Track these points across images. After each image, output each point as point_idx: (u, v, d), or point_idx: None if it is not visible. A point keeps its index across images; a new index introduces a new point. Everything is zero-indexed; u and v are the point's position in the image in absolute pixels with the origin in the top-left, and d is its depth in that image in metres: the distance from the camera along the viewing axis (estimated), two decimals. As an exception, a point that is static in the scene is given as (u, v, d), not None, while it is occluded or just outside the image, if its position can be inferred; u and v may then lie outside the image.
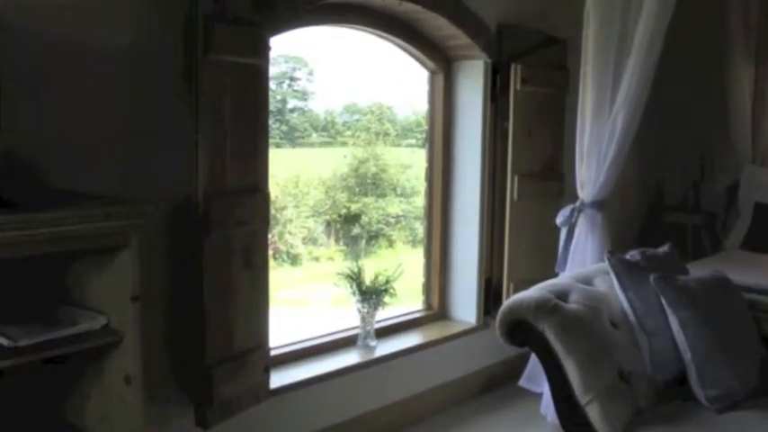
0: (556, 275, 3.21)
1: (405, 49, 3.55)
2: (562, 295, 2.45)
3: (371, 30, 3.32)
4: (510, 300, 2.45)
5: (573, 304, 2.42)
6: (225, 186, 2.37)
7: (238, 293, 2.45)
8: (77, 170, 2.10)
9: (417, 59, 3.61)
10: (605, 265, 2.63)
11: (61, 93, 2.08)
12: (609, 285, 2.57)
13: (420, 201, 11.89)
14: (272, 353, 2.72)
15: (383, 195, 10.51)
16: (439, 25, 3.35)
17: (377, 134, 10.91)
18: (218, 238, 2.35)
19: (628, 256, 2.62)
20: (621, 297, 2.50)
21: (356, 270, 3.26)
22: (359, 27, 3.28)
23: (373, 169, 10.31)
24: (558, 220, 3.32)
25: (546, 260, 3.44)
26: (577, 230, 3.26)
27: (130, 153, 2.25)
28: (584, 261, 3.20)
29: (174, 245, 2.37)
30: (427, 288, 3.76)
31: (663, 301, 2.44)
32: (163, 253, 2.34)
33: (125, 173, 2.23)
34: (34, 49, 1.99)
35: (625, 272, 2.53)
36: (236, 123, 2.39)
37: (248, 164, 2.45)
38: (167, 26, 2.28)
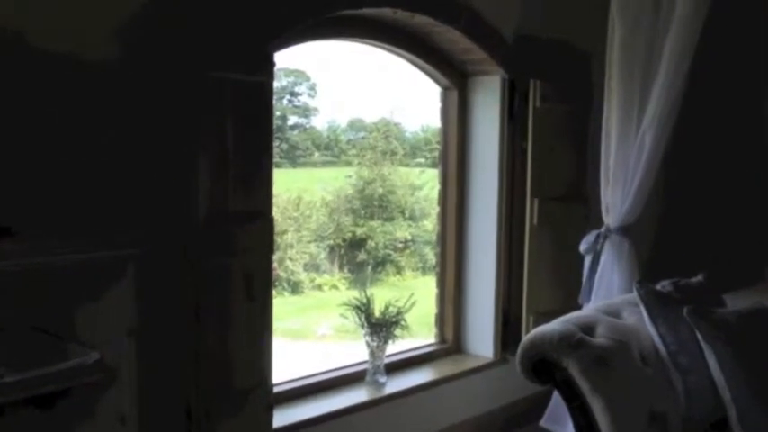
0: (579, 307, 3.20)
1: (415, 64, 3.57)
2: (587, 329, 2.44)
3: (379, 44, 3.35)
4: (531, 333, 2.45)
5: (599, 338, 2.40)
6: (226, 212, 2.39)
7: (239, 326, 2.45)
8: (66, 196, 2.12)
9: (429, 75, 3.63)
10: (634, 296, 2.62)
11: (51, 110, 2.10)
12: (638, 318, 2.55)
13: (430, 224, 11.92)
14: (275, 389, 2.71)
15: (390, 219, 10.54)
16: (452, 38, 3.38)
17: (383, 153, 11.00)
18: (218, 266, 2.37)
19: (658, 287, 2.62)
20: (652, 331, 2.49)
21: (364, 300, 3.25)
22: (366, 41, 3.32)
23: (380, 191, 10.35)
24: (582, 247, 3.31)
25: (568, 291, 3.43)
26: (603, 258, 3.25)
27: (125, 176, 2.27)
28: (610, 292, 3.18)
29: (171, 274, 2.37)
30: (441, 320, 3.75)
31: (698, 335, 2.43)
32: (160, 282, 2.34)
33: (119, 198, 2.25)
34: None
35: (656, 303, 2.52)
36: (238, 144, 2.42)
37: (251, 187, 2.47)
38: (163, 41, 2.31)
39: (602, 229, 3.27)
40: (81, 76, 2.15)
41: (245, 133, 2.44)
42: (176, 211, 2.35)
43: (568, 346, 2.30)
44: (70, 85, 2.13)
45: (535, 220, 3.51)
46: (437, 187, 3.81)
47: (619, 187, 3.18)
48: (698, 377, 2.40)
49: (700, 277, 2.82)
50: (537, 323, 2.94)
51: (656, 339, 2.48)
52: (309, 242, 10.27)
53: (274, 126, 2.59)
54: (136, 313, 1.84)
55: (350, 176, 11.76)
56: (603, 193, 3.25)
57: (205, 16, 2.37)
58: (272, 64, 2.53)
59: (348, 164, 12.81)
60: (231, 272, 2.43)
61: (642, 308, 2.54)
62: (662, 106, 3.05)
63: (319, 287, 9.80)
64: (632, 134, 3.14)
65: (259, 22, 2.50)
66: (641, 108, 3.11)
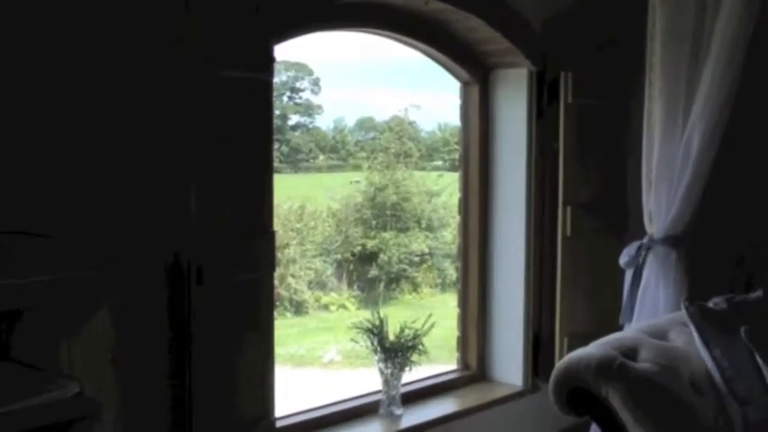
0: (620, 328, 3.18)
1: (431, 56, 3.58)
2: (629, 353, 2.43)
3: (391, 34, 3.36)
4: (565, 358, 2.44)
5: (643, 364, 2.39)
6: (221, 227, 2.40)
7: (237, 352, 2.46)
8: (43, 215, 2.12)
9: (447, 68, 3.64)
10: (682, 314, 2.60)
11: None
12: (688, 340, 2.53)
13: (449, 235, 11.93)
14: (279, 423, 2.71)
15: (405, 229, 10.55)
16: (473, 27, 3.39)
17: (397, 155, 11.01)
18: (213, 290, 2.37)
19: (711, 304, 2.60)
20: (704, 355, 2.47)
21: (377, 322, 3.25)
22: (376, 31, 3.33)
23: (393, 198, 10.36)
24: (622, 260, 3.29)
25: (607, 309, 3.41)
26: (646, 273, 3.23)
27: (106, 183, 2.27)
28: (655, 310, 3.16)
29: (158, 295, 2.38)
30: (463, 343, 3.74)
31: (757, 359, 2.41)
32: (146, 304, 2.35)
33: (100, 209, 2.25)
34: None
35: (708, 323, 2.50)
36: (235, 151, 2.43)
37: (249, 199, 2.48)
38: (148, 29, 2.32)
39: (645, 240, 3.25)
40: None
41: (242, 136, 2.45)
42: (165, 225, 2.35)
43: (608, 372, 2.29)
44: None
45: (568, 231, 3.50)
46: (457, 193, 3.81)
47: (663, 192, 3.17)
48: (758, 408, 2.37)
49: (759, 293, 2.79)
50: (572, 346, 2.92)
51: (710, 364, 2.46)
52: (314, 257, 10.28)
53: (274, 126, 2.60)
54: (120, 341, 1.83)
55: (357, 182, 11.79)
56: (646, 199, 3.23)
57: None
58: (272, 59, 2.54)
59: (357, 168, 12.84)
60: (228, 292, 2.43)
61: (692, 328, 2.52)
62: (713, 98, 3.03)
63: (325, 307, 9.80)
64: (678, 131, 3.13)
65: (259, 19, 2.51)
66: (688, 101, 3.09)
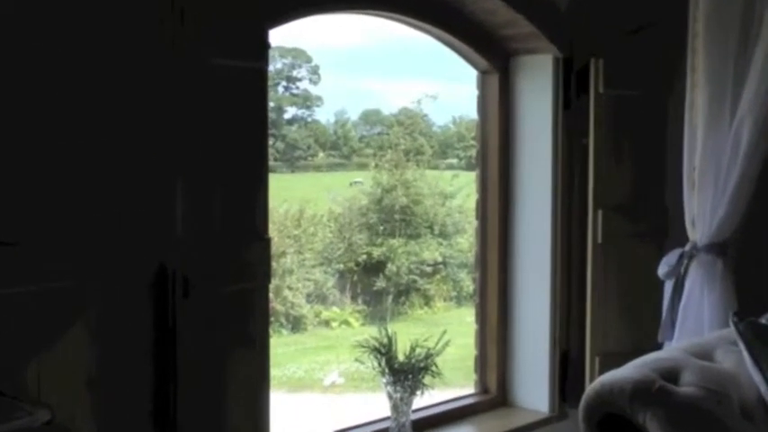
0: (659, 347, 3.17)
1: (445, 42, 3.58)
2: (670, 375, 2.41)
3: (400, 16, 3.36)
4: (597, 381, 2.43)
5: (686, 388, 2.38)
6: (211, 233, 2.40)
7: (228, 375, 2.46)
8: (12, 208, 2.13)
9: (463, 55, 3.64)
10: (730, 332, 2.58)
11: None
12: (737, 361, 2.52)
13: (465, 242, 11.94)
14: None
15: (416, 236, 10.57)
16: (491, 8, 3.39)
17: (407, 152, 11.03)
18: (201, 303, 2.37)
19: (763, 320, 2.58)
20: (756, 377, 2.45)
21: (384, 339, 3.25)
22: (382, 14, 3.33)
23: (403, 200, 10.38)
24: (661, 270, 3.29)
25: (644, 326, 3.40)
26: (688, 284, 3.22)
27: (83, 185, 2.27)
28: (699, 327, 3.15)
29: (141, 309, 2.38)
30: (482, 364, 3.74)
31: (815, 382, 2.39)
32: (127, 320, 2.35)
33: (74, 220, 2.25)
34: None
35: (760, 342, 2.48)
36: (226, 148, 2.43)
37: (242, 201, 2.48)
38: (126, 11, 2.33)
39: (688, 247, 3.24)
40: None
41: (233, 131, 2.45)
42: (147, 231, 2.35)
43: (646, 397, 2.27)
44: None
45: (600, 237, 3.49)
46: (474, 195, 3.80)
47: (708, 193, 3.16)
48: (816, 437, 2.36)
49: (816, 307, 2.77)
50: (605, 367, 2.91)
51: (763, 388, 2.44)
52: (313, 266, 10.29)
53: (268, 120, 2.61)
54: (96, 359, 1.83)
55: (359, 182, 11.81)
56: (688, 201, 3.22)
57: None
58: (267, 45, 2.54)
59: (361, 167, 12.87)
60: (217, 306, 2.43)
61: (742, 347, 2.50)
62: (765, 85, 3.01)
63: (326, 323, 9.81)
64: (725, 123, 3.11)
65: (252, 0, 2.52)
66: (736, 89, 3.08)
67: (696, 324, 3.18)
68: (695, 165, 3.18)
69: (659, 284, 3.34)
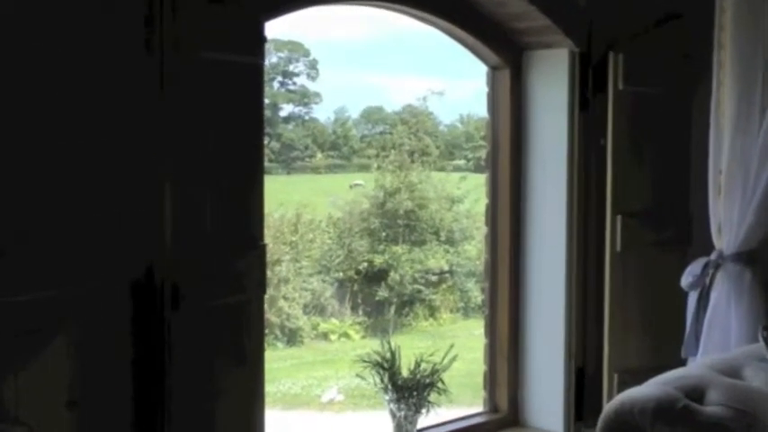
0: (683, 363, 3.16)
1: (453, 35, 3.59)
2: (695, 393, 2.41)
3: (404, 8, 3.37)
4: (616, 399, 2.42)
5: (712, 407, 2.37)
6: (202, 239, 2.40)
7: (220, 392, 2.45)
8: None
9: (472, 49, 3.64)
10: (760, 347, 2.58)
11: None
12: (767, 378, 2.51)
13: (474, 249, 11.91)
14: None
15: (421, 242, 10.57)
16: (503, 0, 3.39)
17: (411, 153, 11.03)
18: (192, 315, 2.37)
19: (794, 335, 2.58)
20: (787, 397, 2.45)
21: (387, 354, 3.25)
22: (386, 5, 3.34)
23: (407, 204, 10.38)
24: (685, 280, 3.28)
25: (666, 340, 3.40)
26: (714, 295, 3.22)
27: (63, 198, 2.27)
28: (725, 341, 3.15)
29: (125, 324, 2.37)
30: (491, 380, 3.73)
31: None
32: (111, 334, 2.34)
33: (56, 227, 2.25)
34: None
35: (791, 358, 2.48)
36: (219, 148, 2.43)
37: (236, 205, 2.48)
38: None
39: (713, 256, 3.23)
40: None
41: (226, 130, 2.45)
42: (133, 238, 2.35)
43: (669, 417, 2.27)
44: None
45: (618, 245, 3.48)
46: (484, 199, 3.80)
47: (735, 198, 3.15)
48: None
49: None
50: (624, 385, 2.91)
51: (793, 408, 2.44)
52: (311, 275, 10.29)
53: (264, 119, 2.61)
54: (78, 378, 1.83)
55: (360, 185, 11.82)
56: (713, 207, 3.22)
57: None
58: (263, 39, 2.54)
59: (363, 168, 12.88)
60: (209, 319, 2.42)
61: (772, 364, 2.51)
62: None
63: (325, 336, 9.80)
64: (753, 124, 3.11)
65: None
66: (766, 87, 3.08)
67: (722, 338, 3.17)
68: (722, 168, 3.18)
69: (683, 296, 3.33)
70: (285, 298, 9.24)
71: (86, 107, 2.24)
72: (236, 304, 2.48)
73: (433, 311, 10.27)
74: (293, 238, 9.85)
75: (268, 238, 6.51)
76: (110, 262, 2.29)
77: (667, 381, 2.45)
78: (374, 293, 10.17)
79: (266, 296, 3.60)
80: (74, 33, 2.19)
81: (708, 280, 3.24)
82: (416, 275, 10.24)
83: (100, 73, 2.25)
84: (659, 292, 3.51)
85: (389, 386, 3.20)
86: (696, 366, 2.74)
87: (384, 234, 10.40)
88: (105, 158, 2.29)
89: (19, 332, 1.87)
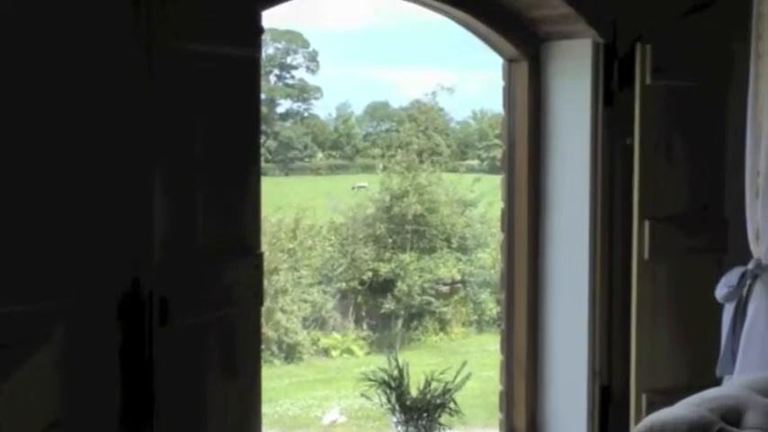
0: (718, 382, 3.15)
1: (465, 25, 3.59)
2: (731, 415, 2.40)
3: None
4: (645, 422, 2.42)
5: (750, 431, 2.37)
6: (193, 248, 2.41)
7: (213, 412, 2.46)
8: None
9: (487, 40, 3.64)
10: (801, 365, 2.57)
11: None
12: (809, 400, 2.51)
13: (488, 257, 11.93)
14: None
15: (430, 250, 10.58)
16: (520, -15, 3.41)
17: (420, 152, 11.04)
18: (183, 329, 2.37)
19: (839, 352, 2.57)
20: (831, 419, 2.44)
21: (394, 371, 3.26)
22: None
23: (415, 208, 10.40)
24: (720, 291, 3.27)
25: (700, 357, 3.38)
26: (752, 308, 3.20)
27: (46, 197, 2.28)
28: (764, 359, 3.13)
29: (112, 338, 2.37)
30: (508, 400, 3.73)
31: None
32: (97, 349, 2.35)
33: (36, 235, 2.25)
34: None
35: (835, 377, 2.47)
36: (212, 149, 2.44)
37: (230, 210, 2.48)
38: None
39: (751, 265, 3.22)
40: None
41: (219, 128, 2.46)
42: (119, 247, 2.35)
43: (703, 441, 2.26)
44: None
45: (646, 252, 3.48)
46: (499, 203, 3.80)
47: (775, 202, 3.15)
48: None
49: None
50: (653, 406, 2.90)
51: (838, 432, 2.43)
52: (311, 285, 10.28)
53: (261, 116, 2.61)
54: (62, 396, 1.83)
55: (364, 187, 11.82)
56: (751, 212, 3.21)
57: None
58: (260, 30, 2.55)
59: (367, 169, 12.90)
60: (201, 334, 2.43)
61: (814, 384, 2.50)
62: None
63: (326, 352, 9.80)
64: (794, 122, 3.11)
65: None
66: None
67: (761, 355, 3.16)
68: (760, 169, 3.17)
69: (717, 308, 3.33)
70: (283, 310, 9.23)
71: (68, 111, 2.25)
72: (229, 317, 2.48)
73: (443, 325, 10.26)
74: (291, 245, 9.85)
75: (265, 246, 6.52)
76: (93, 274, 2.29)
77: (701, 402, 2.44)
78: (380, 305, 10.17)
79: (263, 309, 3.61)
80: (52, 20, 2.20)
81: (745, 291, 3.23)
82: (426, 286, 10.23)
83: (78, 66, 2.25)
84: (691, 305, 3.50)
85: (397, 407, 3.21)
86: (732, 386, 2.73)
87: (390, 241, 10.40)
88: (88, 160, 2.30)
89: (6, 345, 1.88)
